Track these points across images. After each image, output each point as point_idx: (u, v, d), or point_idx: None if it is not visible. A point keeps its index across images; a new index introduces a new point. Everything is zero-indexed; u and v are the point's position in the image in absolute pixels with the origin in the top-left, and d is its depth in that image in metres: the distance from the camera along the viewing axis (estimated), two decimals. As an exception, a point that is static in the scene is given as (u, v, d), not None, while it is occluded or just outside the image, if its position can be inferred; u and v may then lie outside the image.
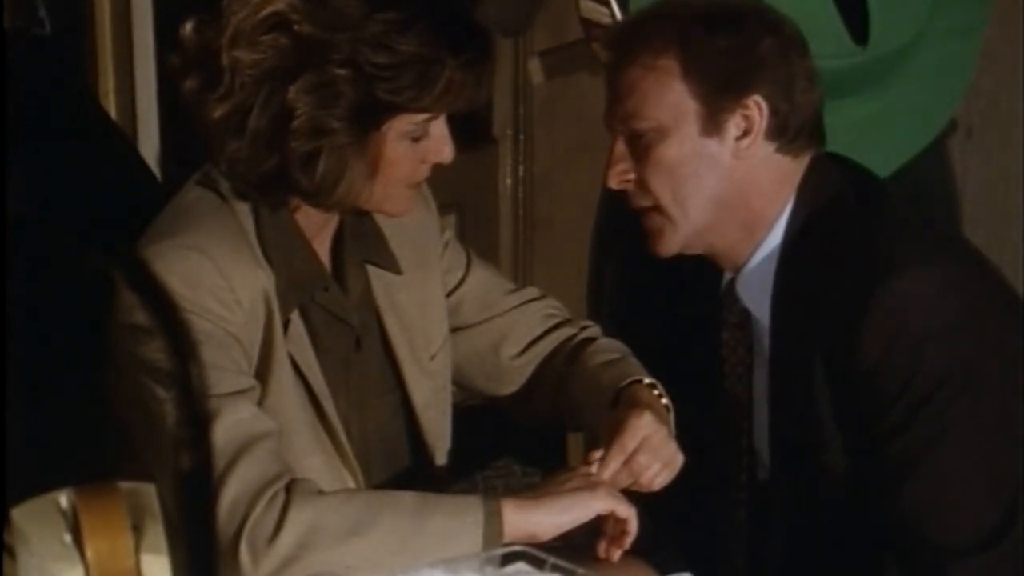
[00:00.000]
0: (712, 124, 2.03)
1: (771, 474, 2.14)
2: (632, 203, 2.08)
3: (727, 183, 2.04)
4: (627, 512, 1.90)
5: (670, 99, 2.02)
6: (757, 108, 2.03)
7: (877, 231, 2.05)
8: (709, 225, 2.06)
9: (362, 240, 2.04)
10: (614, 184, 2.07)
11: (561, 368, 2.17)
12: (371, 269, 2.07)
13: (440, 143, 1.95)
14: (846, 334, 1.98)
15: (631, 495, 1.94)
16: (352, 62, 1.87)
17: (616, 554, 1.92)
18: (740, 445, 2.16)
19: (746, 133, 2.03)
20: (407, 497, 1.88)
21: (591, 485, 1.91)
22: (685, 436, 2.00)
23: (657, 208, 2.06)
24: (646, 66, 2.03)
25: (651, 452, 1.94)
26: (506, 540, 1.84)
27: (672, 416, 2.04)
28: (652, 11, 2.09)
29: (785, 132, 2.05)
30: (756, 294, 2.10)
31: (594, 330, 2.22)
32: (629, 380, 2.05)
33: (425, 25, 1.89)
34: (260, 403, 1.91)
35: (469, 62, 1.91)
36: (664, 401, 2.05)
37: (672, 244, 2.08)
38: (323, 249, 2.02)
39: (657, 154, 2.03)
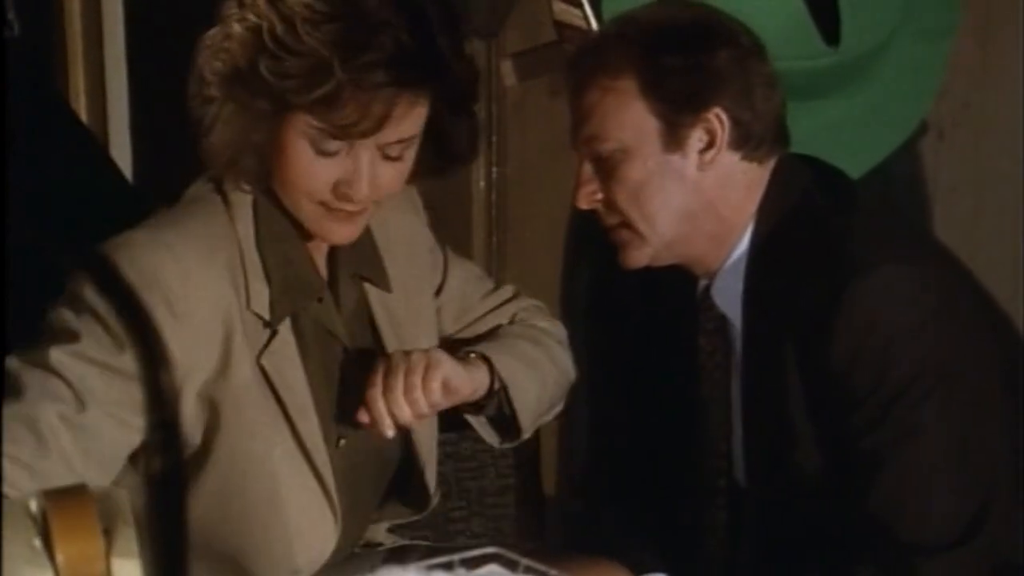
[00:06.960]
0: (674, 140, 2.04)
1: (745, 474, 2.14)
2: (602, 221, 2.10)
3: (694, 196, 2.05)
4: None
5: (630, 119, 2.04)
6: (718, 121, 2.04)
7: (847, 230, 2.05)
8: (679, 238, 2.07)
9: (356, 253, 2.00)
10: (584, 205, 2.09)
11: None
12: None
13: (353, 175, 1.84)
14: (817, 332, 1.98)
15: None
16: (256, 28, 1.81)
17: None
18: (719, 449, 2.16)
19: (709, 146, 2.04)
20: None
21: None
22: (663, 440, 2.00)
23: (626, 224, 2.07)
24: (604, 87, 2.04)
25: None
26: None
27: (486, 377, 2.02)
28: (610, 32, 2.10)
29: (749, 140, 2.06)
30: (730, 299, 2.10)
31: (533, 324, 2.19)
32: (470, 350, 2.04)
33: (343, 28, 1.78)
34: (216, 422, 1.87)
35: (371, 83, 1.78)
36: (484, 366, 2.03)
37: (641, 258, 2.09)
38: (320, 259, 1.98)
39: (622, 174, 2.05)
